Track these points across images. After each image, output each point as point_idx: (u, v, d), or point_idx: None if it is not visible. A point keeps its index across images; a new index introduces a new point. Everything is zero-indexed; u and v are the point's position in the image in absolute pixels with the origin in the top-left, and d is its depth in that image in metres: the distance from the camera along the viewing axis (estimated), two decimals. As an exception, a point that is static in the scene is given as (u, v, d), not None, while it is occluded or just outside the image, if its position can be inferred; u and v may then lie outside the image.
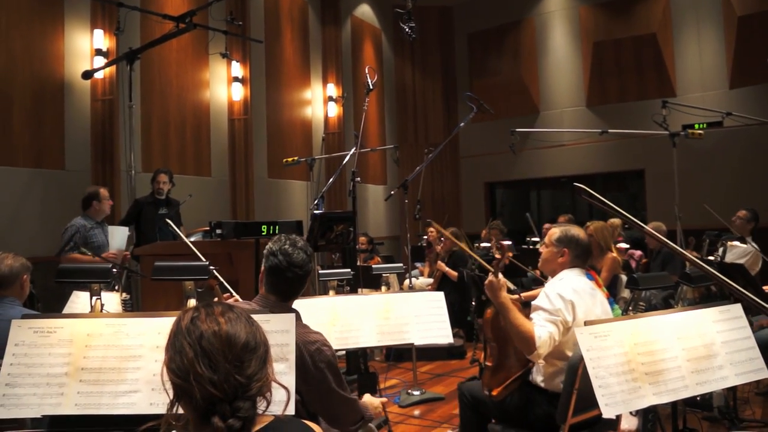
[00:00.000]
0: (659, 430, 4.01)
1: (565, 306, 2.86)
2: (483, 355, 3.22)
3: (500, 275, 2.99)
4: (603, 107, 11.57)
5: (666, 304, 5.46)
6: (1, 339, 2.66)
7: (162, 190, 6.30)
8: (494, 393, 3.05)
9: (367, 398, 2.65)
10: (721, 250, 5.44)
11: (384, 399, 2.83)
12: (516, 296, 3.18)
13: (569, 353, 2.86)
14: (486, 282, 2.99)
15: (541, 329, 2.83)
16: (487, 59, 12.76)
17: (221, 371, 1.29)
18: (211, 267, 3.11)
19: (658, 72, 10.97)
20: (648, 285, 3.59)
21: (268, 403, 1.37)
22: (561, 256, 3.11)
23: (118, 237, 5.51)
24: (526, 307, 3.12)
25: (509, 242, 8.66)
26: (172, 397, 1.34)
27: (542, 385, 2.98)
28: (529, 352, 2.85)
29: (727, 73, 10.47)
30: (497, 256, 3.04)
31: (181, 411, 1.38)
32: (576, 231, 3.15)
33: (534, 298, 3.96)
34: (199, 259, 3.21)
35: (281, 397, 1.45)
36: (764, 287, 4.58)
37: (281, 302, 2.43)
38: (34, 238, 6.16)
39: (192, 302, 3.10)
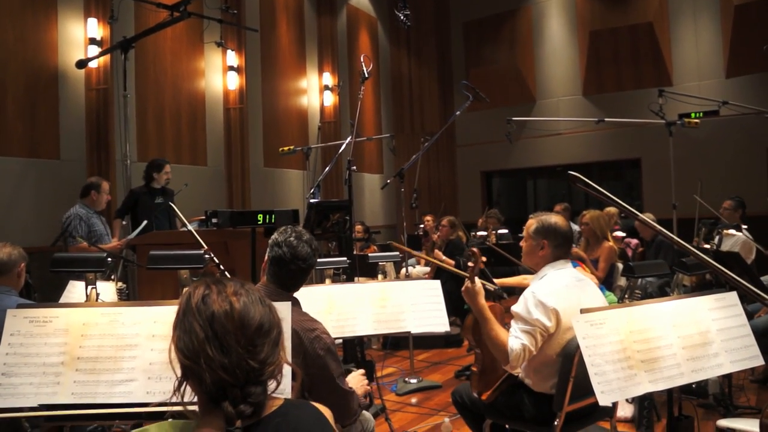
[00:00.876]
0: (655, 417, 4.04)
1: (546, 314, 2.73)
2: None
3: (477, 280, 2.89)
4: (599, 96, 11.56)
5: (662, 292, 5.48)
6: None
7: (168, 180, 6.30)
8: (484, 397, 3.01)
9: (350, 378, 2.63)
10: (717, 238, 5.45)
11: (362, 371, 2.78)
12: (497, 301, 3.09)
13: (558, 359, 2.80)
14: (462, 289, 2.89)
15: (515, 341, 2.74)
16: (483, 48, 12.73)
17: (233, 355, 1.23)
18: (210, 255, 3.10)
19: (655, 61, 10.96)
20: (644, 273, 3.60)
21: (278, 384, 1.32)
22: (541, 248, 2.95)
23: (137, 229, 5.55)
24: (511, 295, 3.05)
25: (505, 230, 8.68)
26: (179, 375, 1.28)
27: (532, 388, 2.94)
28: (504, 363, 2.79)
29: (723, 62, 10.47)
30: (470, 264, 2.89)
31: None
32: (554, 219, 2.99)
33: (510, 286, 3.94)
34: (196, 248, 3.21)
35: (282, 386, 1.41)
36: (762, 278, 4.59)
37: (282, 292, 2.42)
38: (28, 228, 6.14)
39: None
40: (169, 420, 1.31)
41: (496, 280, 3.79)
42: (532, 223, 3.03)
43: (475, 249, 2.94)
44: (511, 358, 2.72)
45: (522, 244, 3.10)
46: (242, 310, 1.27)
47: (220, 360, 1.21)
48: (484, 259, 2.97)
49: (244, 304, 1.29)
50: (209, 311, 1.26)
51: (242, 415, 1.22)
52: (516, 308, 2.84)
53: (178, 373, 1.27)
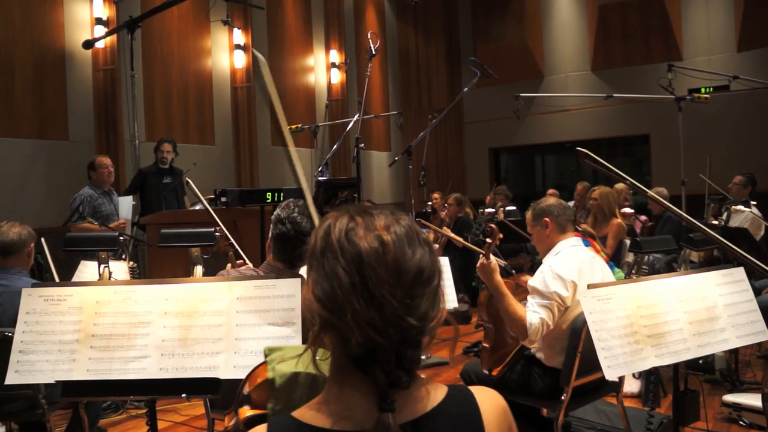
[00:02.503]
0: (661, 392, 4.07)
1: (564, 285, 2.80)
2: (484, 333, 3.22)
3: (492, 257, 2.92)
4: (608, 71, 11.47)
5: (669, 268, 5.49)
6: (10, 310, 2.70)
7: (166, 159, 6.29)
8: (494, 373, 3.05)
9: None
10: (725, 214, 5.43)
11: None
12: (505, 277, 3.11)
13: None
14: (478, 265, 2.93)
15: (533, 315, 2.79)
16: (491, 23, 12.61)
17: (387, 310, 0.96)
18: (222, 233, 3.12)
19: (665, 35, 10.84)
20: (651, 249, 3.61)
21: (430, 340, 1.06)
22: (546, 227, 3.05)
23: (125, 206, 5.53)
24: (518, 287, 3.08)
25: (513, 207, 8.69)
26: (316, 327, 1.01)
27: (543, 362, 2.98)
28: (522, 337, 2.84)
29: (735, 35, 10.34)
30: (488, 240, 2.94)
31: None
32: (544, 200, 3.14)
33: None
34: (206, 226, 3.23)
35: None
36: None
37: (288, 269, 2.40)
38: (39, 209, 6.19)
39: (198, 269, 3.14)
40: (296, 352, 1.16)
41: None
42: (528, 214, 3.17)
43: (493, 225, 2.97)
44: (530, 332, 2.77)
45: (533, 241, 3.20)
46: (398, 252, 0.99)
47: (371, 316, 0.96)
48: (501, 235, 3.01)
49: (400, 242, 1.01)
50: (355, 250, 0.99)
51: (399, 384, 0.99)
52: (533, 282, 2.89)
53: (315, 323, 1.02)
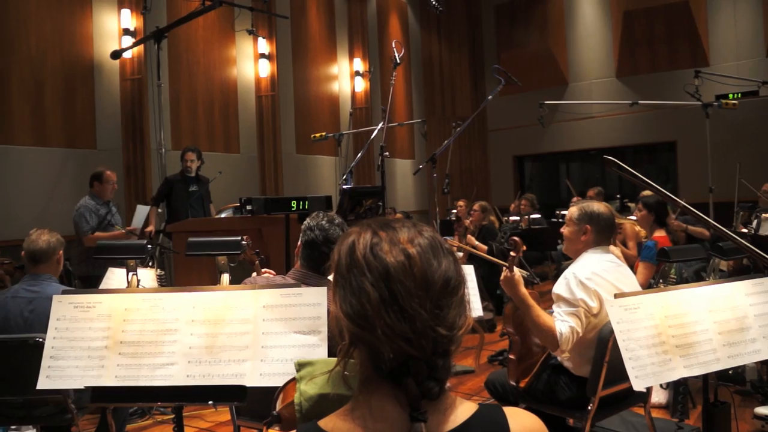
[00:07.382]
0: (690, 403, 4.00)
1: (589, 294, 2.76)
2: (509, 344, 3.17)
3: (515, 269, 2.88)
4: (633, 78, 11.37)
5: (698, 277, 5.41)
6: (42, 316, 2.74)
7: (190, 168, 6.33)
8: (522, 385, 3.01)
9: None
10: (755, 222, 5.35)
11: None
12: (528, 287, 3.05)
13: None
14: (501, 278, 2.88)
15: (563, 324, 2.75)
16: (514, 31, 12.58)
17: (418, 323, 0.98)
18: (248, 242, 3.14)
19: (691, 41, 10.72)
20: (678, 257, 3.56)
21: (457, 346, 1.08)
22: (583, 233, 2.97)
23: (139, 215, 5.58)
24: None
25: (538, 215, 8.64)
26: (345, 341, 1.04)
27: (571, 371, 2.94)
28: (552, 348, 2.80)
29: (763, 39, 10.19)
30: (512, 253, 2.89)
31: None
32: (597, 206, 3.01)
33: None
34: (235, 234, 3.26)
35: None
36: None
37: (317, 276, 2.47)
38: (68, 217, 6.26)
39: (225, 277, 3.16)
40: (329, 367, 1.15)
41: None
42: (574, 211, 3.05)
43: (516, 238, 2.94)
44: (561, 342, 2.73)
45: (563, 230, 3.10)
46: (424, 263, 1.01)
47: (403, 329, 0.97)
48: (524, 247, 2.97)
49: (425, 254, 1.02)
50: (382, 265, 1.00)
51: (431, 395, 1.01)
52: (558, 290, 2.85)
53: (344, 338, 1.04)
